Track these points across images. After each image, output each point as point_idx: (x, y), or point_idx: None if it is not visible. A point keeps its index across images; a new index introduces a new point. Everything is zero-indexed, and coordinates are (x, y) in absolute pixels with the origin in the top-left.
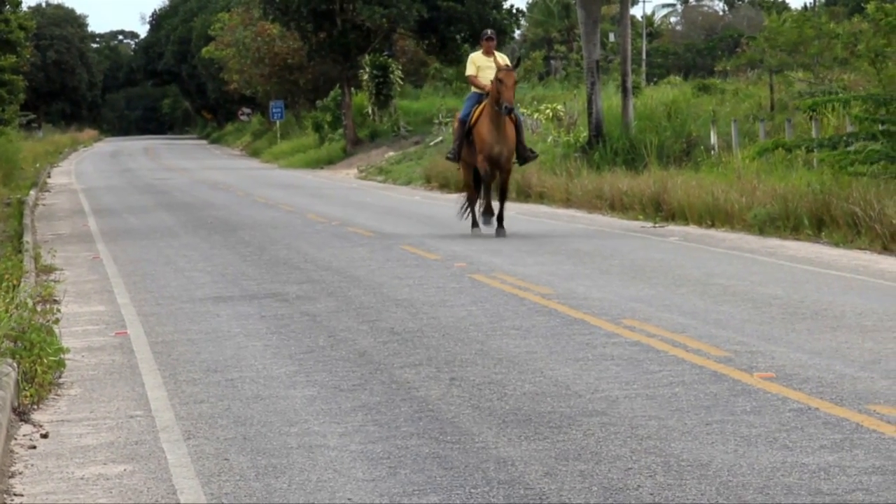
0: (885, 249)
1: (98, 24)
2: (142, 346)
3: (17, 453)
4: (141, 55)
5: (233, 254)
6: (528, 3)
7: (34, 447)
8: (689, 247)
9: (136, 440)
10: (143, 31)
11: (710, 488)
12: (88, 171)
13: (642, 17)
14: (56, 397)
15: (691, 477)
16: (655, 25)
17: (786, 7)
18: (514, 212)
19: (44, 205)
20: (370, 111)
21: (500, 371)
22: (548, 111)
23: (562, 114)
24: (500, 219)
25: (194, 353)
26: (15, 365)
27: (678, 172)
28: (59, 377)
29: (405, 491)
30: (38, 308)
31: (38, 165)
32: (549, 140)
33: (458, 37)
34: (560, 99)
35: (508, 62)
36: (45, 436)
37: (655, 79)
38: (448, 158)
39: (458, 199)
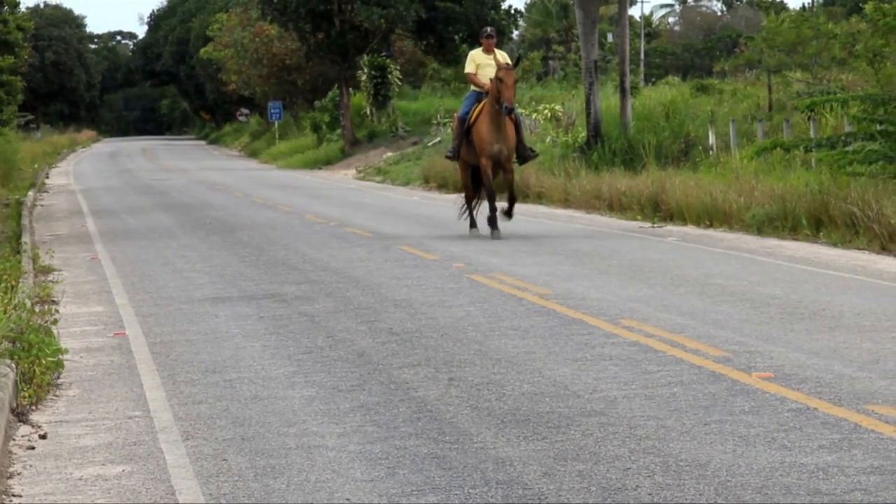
0: (884, 249)
1: (96, 24)
2: (140, 346)
3: (15, 454)
4: (139, 56)
5: (231, 254)
6: (526, 3)
7: (33, 448)
8: (687, 247)
9: (134, 441)
10: (141, 31)
11: (708, 488)
12: (87, 172)
13: (640, 18)
14: (54, 398)
15: (690, 477)
16: (654, 26)
17: (784, 7)
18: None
19: (42, 205)
20: (368, 112)
21: (498, 371)
22: (546, 111)
23: (560, 114)
24: (509, 212)
25: (193, 353)
26: (13, 366)
27: (676, 173)
28: (58, 378)
29: (404, 491)
30: (37, 309)
31: (36, 166)
32: (547, 140)
33: (456, 37)
34: (558, 99)
35: (509, 60)
36: (43, 436)
37: (654, 79)
38: (447, 157)
39: (457, 199)
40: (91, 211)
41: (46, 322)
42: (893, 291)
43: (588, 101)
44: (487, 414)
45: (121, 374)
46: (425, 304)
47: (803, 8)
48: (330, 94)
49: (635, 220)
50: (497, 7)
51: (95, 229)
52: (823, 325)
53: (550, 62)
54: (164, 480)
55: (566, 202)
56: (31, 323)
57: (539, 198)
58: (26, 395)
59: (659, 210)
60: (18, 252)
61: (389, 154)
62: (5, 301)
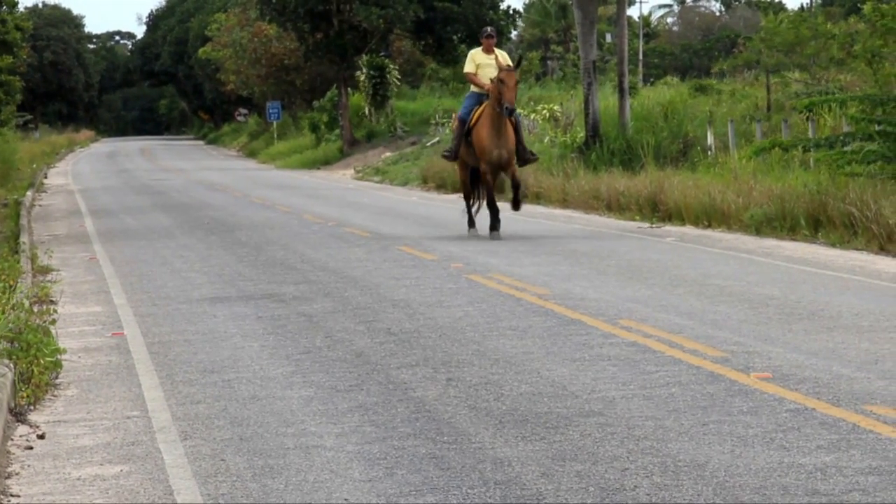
0: (882, 250)
1: (95, 24)
2: (138, 346)
3: (13, 454)
4: (137, 56)
5: (229, 254)
6: (524, 3)
7: (31, 448)
8: (685, 247)
9: (132, 441)
10: (139, 31)
11: (706, 489)
12: (85, 172)
13: (639, 18)
14: (53, 398)
15: (688, 477)
16: (652, 26)
17: (782, 8)
18: (510, 212)
19: (40, 205)
20: (367, 112)
21: (496, 371)
22: (545, 112)
23: (558, 114)
24: (517, 205)
25: (191, 353)
26: (11, 366)
27: (675, 173)
28: (56, 378)
29: (402, 491)
30: (35, 309)
31: (34, 166)
32: (545, 140)
33: (454, 37)
34: (557, 99)
35: (510, 61)
36: (41, 436)
37: (652, 79)
38: (444, 156)
39: (457, 199)
40: (89, 211)
41: (45, 322)
42: (892, 292)
43: (586, 102)
44: (486, 414)
45: (119, 374)
46: (424, 304)
47: (801, 8)
48: (328, 94)
49: (634, 220)
50: (496, 7)
51: (94, 229)
52: (822, 325)
53: (549, 62)
54: (162, 480)
55: (564, 202)
56: (29, 323)
57: (537, 198)
58: (24, 395)
59: (657, 210)
60: (17, 252)
61: (388, 154)
62: (3, 301)
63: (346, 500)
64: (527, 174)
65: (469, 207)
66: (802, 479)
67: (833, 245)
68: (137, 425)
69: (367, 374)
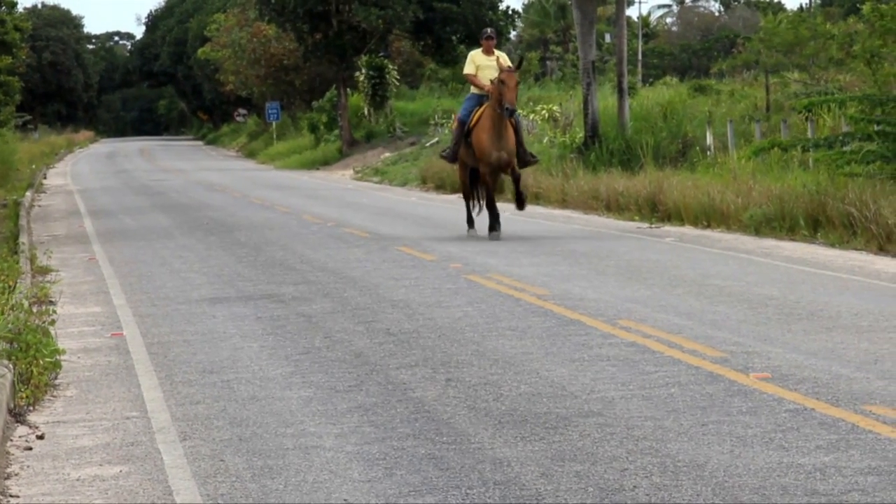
0: (881, 250)
1: (94, 25)
2: (138, 347)
3: (13, 455)
4: (137, 56)
5: (229, 255)
6: (523, 3)
7: (30, 448)
8: (684, 247)
9: (132, 441)
10: (138, 32)
11: (706, 489)
12: (84, 173)
13: (638, 18)
14: (52, 398)
15: (687, 478)
16: (651, 26)
17: (781, 8)
18: (510, 212)
19: (40, 206)
20: (366, 112)
21: (496, 372)
22: (544, 112)
23: (558, 114)
24: (521, 204)
25: (190, 354)
26: (11, 366)
27: (674, 173)
28: (55, 378)
29: (401, 492)
30: (34, 309)
31: (33, 167)
32: (545, 141)
33: (453, 38)
34: (556, 100)
35: (510, 63)
36: (41, 437)
37: (651, 79)
38: (442, 156)
39: (458, 199)
40: (89, 211)
41: (44, 323)
42: (891, 292)
43: (586, 102)
44: (485, 414)
45: (118, 374)
46: (423, 304)
47: (801, 8)
48: (327, 94)
49: (633, 220)
50: (495, 7)
51: (93, 230)
52: (821, 325)
53: (548, 63)
54: (161, 481)
55: (564, 203)
56: (28, 323)
57: (537, 198)
58: (24, 395)
59: (656, 210)
60: (16, 253)
61: (387, 154)
62: (3, 302)
63: (345, 500)
64: (526, 175)
65: (469, 207)
66: (802, 480)
67: (832, 245)
68: (137, 426)
69: (367, 375)
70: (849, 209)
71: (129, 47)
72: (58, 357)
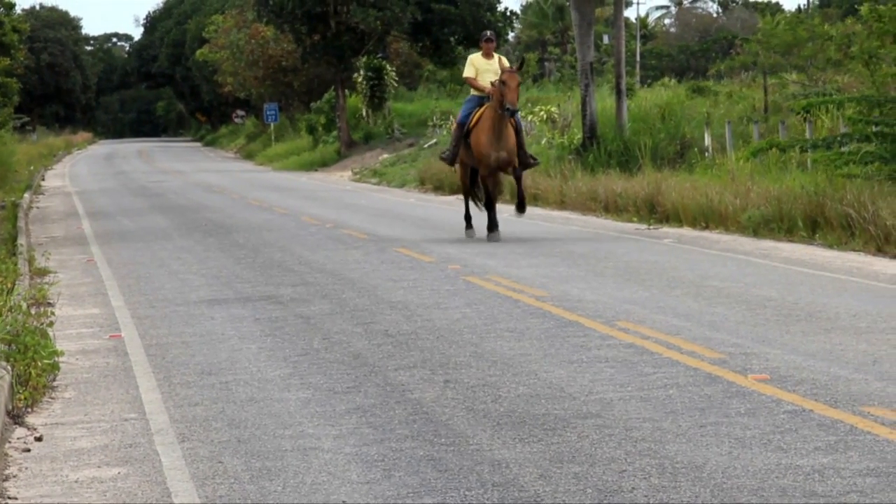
0: (879, 251)
1: (92, 26)
2: (136, 348)
3: (11, 456)
4: (135, 58)
5: (227, 256)
6: (522, 5)
7: (28, 450)
8: (683, 249)
9: (130, 443)
10: (136, 33)
11: (704, 490)
12: (82, 174)
13: (636, 19)
14: (50, 400)
15: (686, 479)
16: (649, 27)
17: (779, 9)
18: (508, 214)
19: (38, 207)
20: (364, 113)
21: (494, 373)
22: (542, 113)
23: (556, 116)
24: (521, 207)
25: (188, 355)
26: (9, 368)
27: (672, 174)
28: (54, 380)
29: (400, 493)
30: (33, 311)
31: (31, 168)
32: (543, 142)
33: (451, 39)
34: (554, 101)
35: (509, 65)
36: (39, 439)
37: (649, 81)
38: (441, 158)
39: (456, 201)
40: (87, 213)
41: (42, 324)
42: (889, 293)
43: (584, 103)
44: (483, 416)
45: (117, 376)
46: (421, 306)
47: (799, 10)
48: (326, 95)
49: (631, 221)
50: (493, 9)
51: (91, 231)
52: (819, 326)
53: (546, 64)
54: (159, 483)
55: (562, 204)
56: (26, 325)
57: (535, 199)
58: (22, 397)
59: (655, 212)
60: (14, 254)
61: (385, 156)
62: (1, 303)
63: (343, 502)
64: (525, 176)
65: (468, 207)
66: (800, 481)
67: (830, 246)
68: (135, 427)
69: (365, 376)
70: (847, 210)
71: (128, 49)
72: (56, 359)
